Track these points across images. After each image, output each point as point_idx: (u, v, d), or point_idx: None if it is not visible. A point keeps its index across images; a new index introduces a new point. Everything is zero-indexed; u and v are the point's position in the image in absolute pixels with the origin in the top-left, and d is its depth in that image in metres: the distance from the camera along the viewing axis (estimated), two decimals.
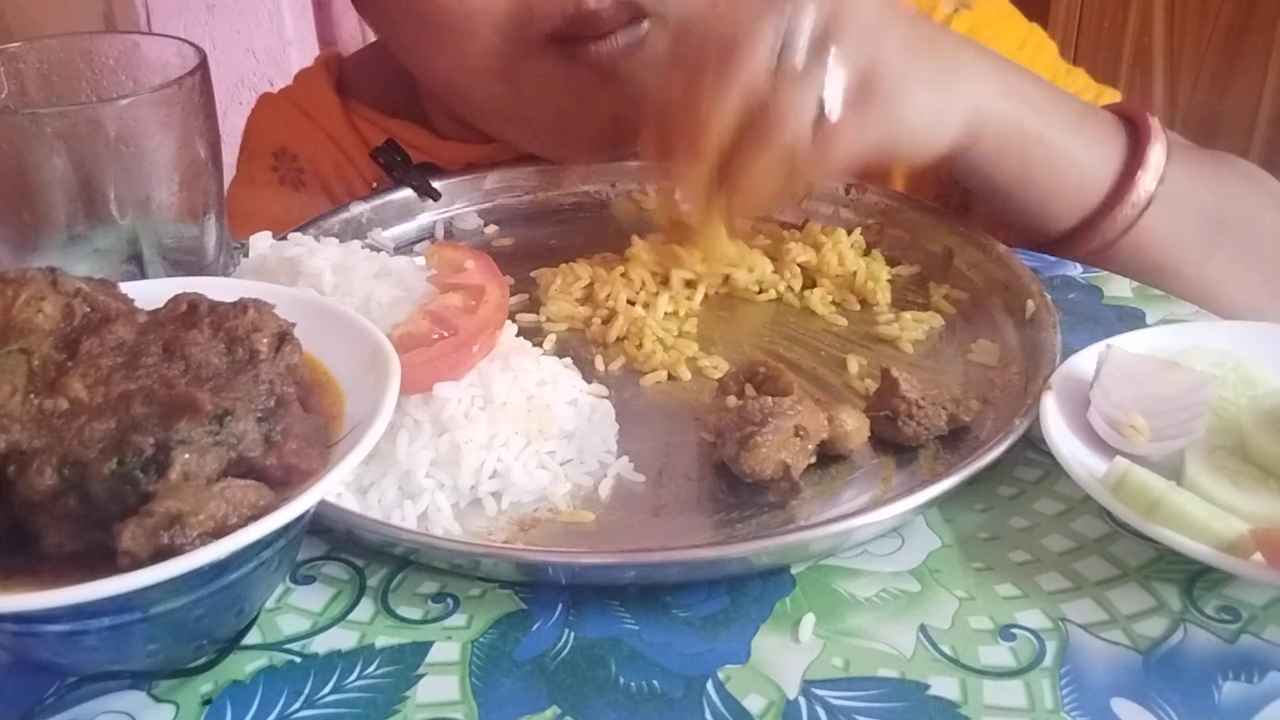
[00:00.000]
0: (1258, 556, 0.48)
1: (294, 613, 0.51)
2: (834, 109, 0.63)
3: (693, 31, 0.67)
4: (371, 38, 1.04)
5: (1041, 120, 0.71)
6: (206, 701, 0.47)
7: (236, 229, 0.72)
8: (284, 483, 0.44)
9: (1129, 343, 0.60)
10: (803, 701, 0.46)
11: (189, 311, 0.48)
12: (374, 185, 0.90)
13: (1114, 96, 0.92)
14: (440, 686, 0.47)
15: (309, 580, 0.53)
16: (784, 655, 0.48)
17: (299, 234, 0.73)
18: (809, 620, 0.50)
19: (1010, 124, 0.70)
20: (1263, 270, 0.79)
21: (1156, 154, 0.73)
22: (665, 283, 0.75)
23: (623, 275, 0.75)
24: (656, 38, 0.80)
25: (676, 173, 0.68)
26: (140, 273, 0.62)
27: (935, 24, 0.72)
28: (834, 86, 0.62)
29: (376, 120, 0.97)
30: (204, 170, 0.63)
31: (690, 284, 0.75)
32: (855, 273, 0.75)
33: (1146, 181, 0.72)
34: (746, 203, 0.67)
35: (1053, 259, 0.77)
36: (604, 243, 0.81)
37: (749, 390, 0.61)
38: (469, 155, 0.93)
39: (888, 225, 0.82)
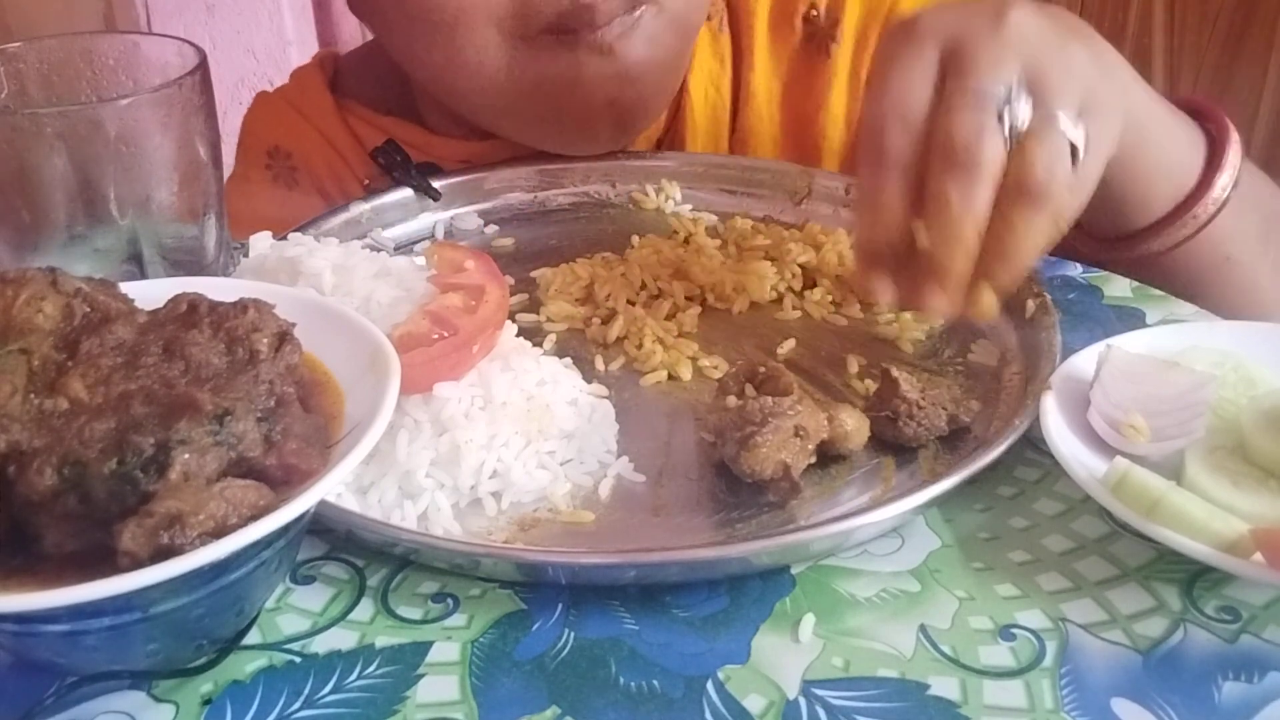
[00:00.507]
0: (1258, 556, 0.48)
1: (294, 613, 0.51)
2: (1082, 147, 0.60)
3: (886, 140, 0.60)
4: (371, 37, 1.04)
5: (1154, 107, 0.70)
6: (206, 701, 0.47)
7: (232, 228, 0.72)
8: (284, 483, 0.44)
9: (1129, 343, 0.60)
10: (803, 701, 0.46)
11: (189, 311, 0.48)
12: (366, 183, 0.90)
13: None
14: (440, 686, 0.47)
15: (309, 580, 0.53)
16: (784, 655, 0.48)
17: (299, 234, 0.73)
18: (809, 620, 0.50)
19: (1143, 104, 0.69)
20: None
21: (1235, 149, 0.73)
22: (661, 295, 0.75)
23: (623, 275, 0.76)
24: (651, 19, 0.80)
25: (937, 276, 0.60)
26: (140, 273, 0.62)
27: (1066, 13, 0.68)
28: (1073, 129, 0.59)
29: (370, 119, 0.97)
30: (204, 170, 0.63)
31: (690, 298, 0.75)
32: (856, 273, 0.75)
33: (1226, 176, 0.72)
34: (1020, 266, 0.61)
35: (1053, 259, 0.77)
36: (604, 243, 0.81)
37: (749, 390, 0.61)
38: (463, 152, 0.93)
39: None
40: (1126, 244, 0.75)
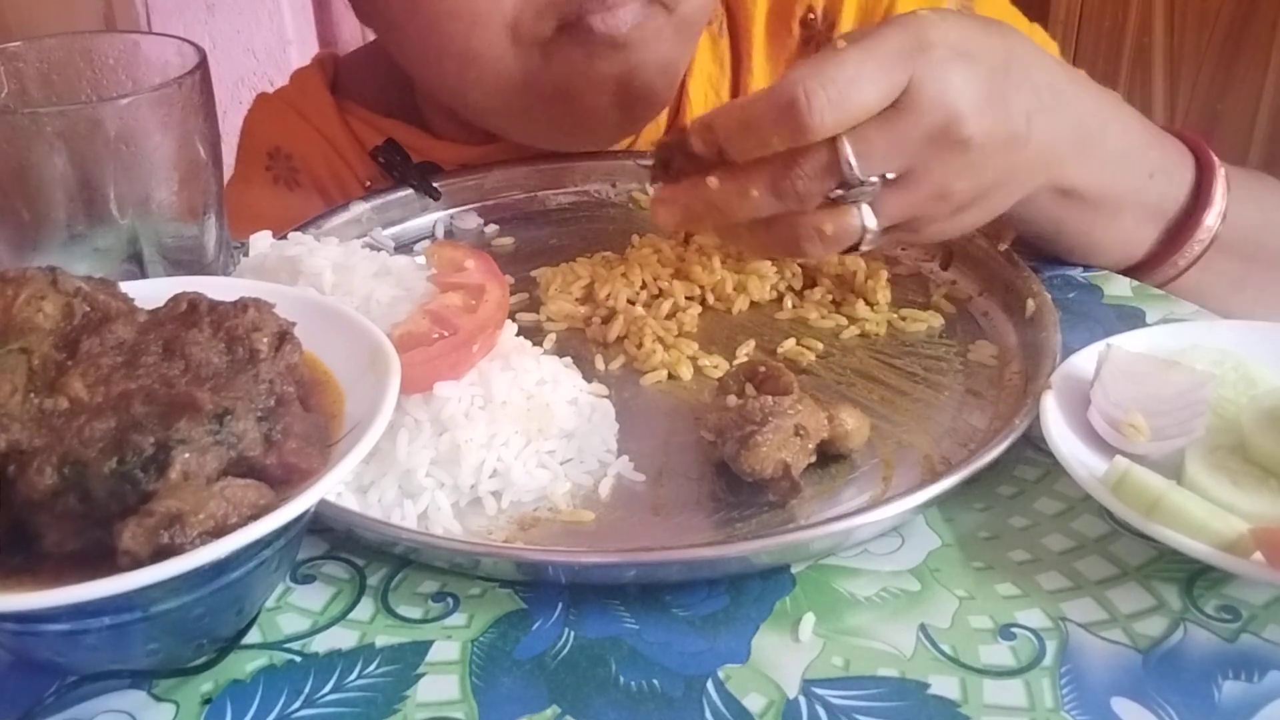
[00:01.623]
0: (1258, 556, 0.48)
1: (294, 612, 0.51)
2: (871, 236, 0.63)
3: (773, 97, 0.60)
4: (371, 38, 1.04)
5: (1107, 179, 0.71)
6: (207, 701, 0.47)
7: (232, 227, 0.72)
8: (284, 482, 0.44)
9: (1129, 342, 0.60)
10: (803, 701, 0.46)
11: (189, 311, 0.48)
12: (367, 185, 0.90)
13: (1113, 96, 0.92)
14: (440, 686, 0.47)
15: (309, 579, 0.53)
16: (784, 654, 0.48)
17: (299, 233, 0.73)
18: (809, 619, 0.50)
19: (1079, 183, 0.69)
20: None
21: (1219, 195, 0.73)
22: (662, 295, 0.75)
23: (623, 275, 0.75)
24: (661, 19, 0.80)
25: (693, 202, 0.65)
26: (140, 272, 0.62)
27: (1013, 44, 0.66)
28: (873, 221, 0.63)
29: (371, 120, 0.97)
30: (204, 170, 0.63)
31: (690, 298, 0.75)
32: (855, 272, 0.75)
33: (1210, 220, 0.73)
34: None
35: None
36: (604, 242, 0.81)
37: (749, 390, 0.61)
38: (464, 156, 0.93)
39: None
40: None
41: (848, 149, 0.59)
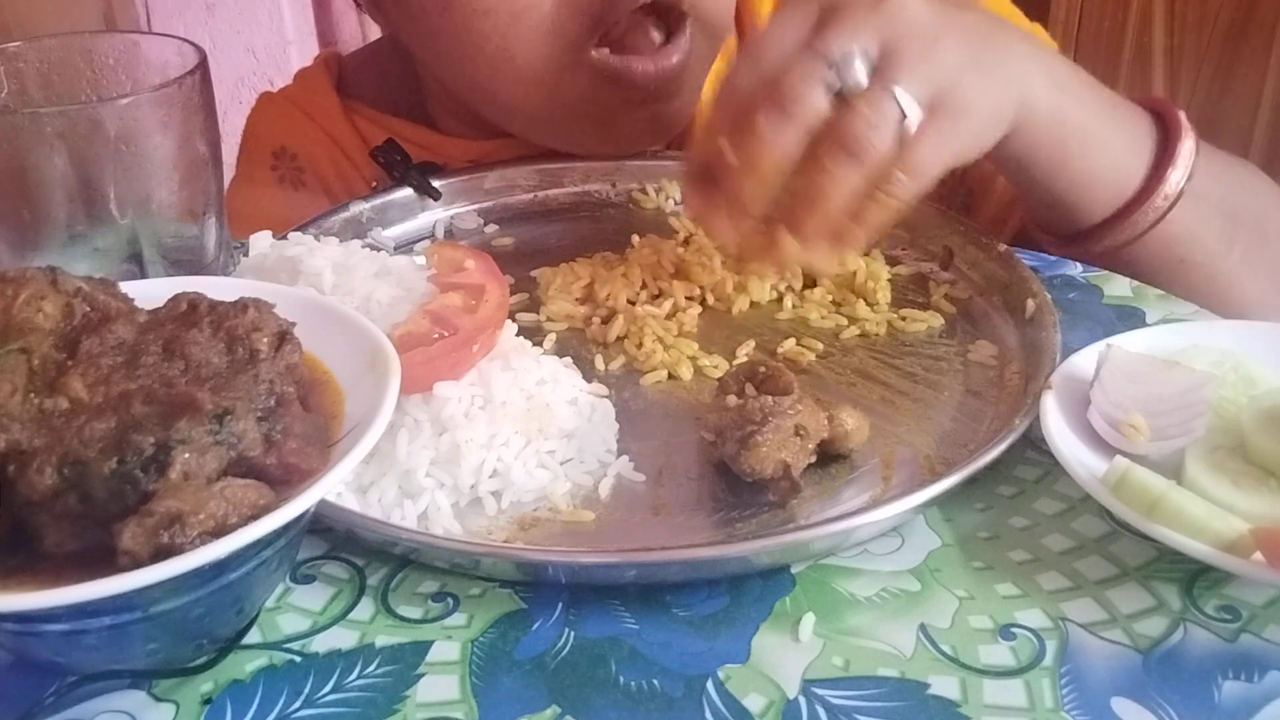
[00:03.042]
0: (1258, 556, 0.48)
1: (294, 612, 0.51)
2: (914, 120, 0.61)
3: (735, 77, 0.65)
4: (372, 37, 1.04)
5: (1081, 110, 0.70)
6: (206, 701, 0.47)
7: (236, 228, 0.72)
8: (284, 482, 0.44)
9: (1129, 342, 0.60)
10: (803, 701, 0.46)
11: (189, 311, 0.48)
12: (374, 185, 0.90)
13: None
14: (440, 686, 0.47)
15: (309, 580, 0.53)
16: (784, 654, 0.48)
17: (299, 233, 0.73)
18: (809, 620, 0.50)
19: (1052, 113, 0.68)
20: (1273, 268, 0.79)
21: (1186, 149, 0.72)
22: (662, 295, 0.75)
23: (623, 275, 0.75)
24: (699, 41, 0.81)
25: (731, 202, 0.64)
26: (140, 272, 0.62)
27: (977, 6, 0.70)
28: (908, 100, 0.61)
29: (376, 119, 0.97)
30: (204, 170, 0.63)
31: (690, 298, 0.75)
32: (855, 272, 0.75)
33: (1176, 176, 0.72)
34: (831, 229, 0.63)
35: (1053, 259, 0.77)
36: (604, 243, 0.81)
37: (749, 390, 0.61)
38: (472, 152, 0.93)
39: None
40: (1076, 241, 0.76)
41: (809, 50, 0.62)
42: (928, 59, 0.62)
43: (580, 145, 0.90)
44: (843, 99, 0.61)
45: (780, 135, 0.61)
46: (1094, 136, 0.71)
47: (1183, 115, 0.74)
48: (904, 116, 0.61)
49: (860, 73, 0.61)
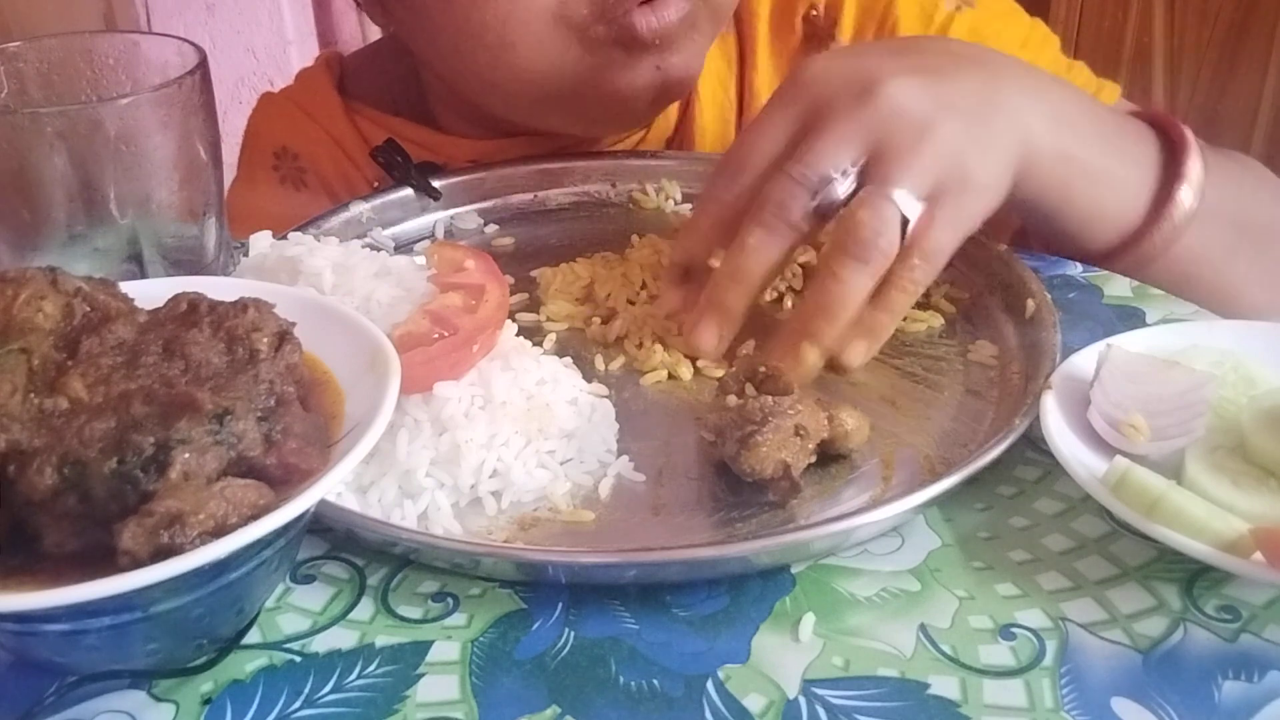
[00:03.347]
0: (1258, 556, 0.48)
1: (294, 612, 0.51)
2: (914, 217, 0.62)
3: (720, 184, 0.67)
4: (372, 37, 1.04)
5: (1084, 145, 0.70)
6: (207, 701, 0.47)
7: (237, 228, 0.72)
8: (284, 482, 0.44)
9: (1129, 342, 0.60)
10: (803, 701, 0.46)
11: (189, 311, 0.48)
12: (375, 185, 0.90)
13: (1115, 90, 0.92)
14: (440, 686, 0.47)
15: (309, 580, 0.53)
16: (784, 655, 0.48)
17: (299, 233, 0.73)
18: (809, 620, 0.50)
19: (1055, 153, 0.68)
20: (1277, 273, 0.79)
21: (1195, 171, 0.71)
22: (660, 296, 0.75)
23: (623, 275, 0.76)
24: (700, 12, 0.81)
25: (715, 305, 0.66)
26: (140, 272, 0.62)
27: (966, 50, 0.70)
28: (908, 200, 0.62)
29: (378, 119, 0.97)
30: (204, 170, 0.63)
31: None
32: None
33: (1187, 200, 0.71)
34: (840, 321, 0.63)
35: (1053, 259, 0.77)
36: (604, 243, 0.81)
37: (749, 390, 0.61)
38: (474, 151, 0.93)
39: None
40: (1091, 262, 0.76)
41: (793, 166, 0.63)
42: (923, 151, 0.63)
43: (587, 126, 0.90)
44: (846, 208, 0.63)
45: (768, 250, 0.64)
46: (1099, 169, 0.71)
47: (1188, 133, 0.73)
48: (905, 219, 0.62)
49: (846, 189, 0.63)
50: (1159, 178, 0.72)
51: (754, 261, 0.64)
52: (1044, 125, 0.68)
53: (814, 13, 0.95)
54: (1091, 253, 0.75)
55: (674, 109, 0.96)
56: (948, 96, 0.64)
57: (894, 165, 0.62)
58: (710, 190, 0.68)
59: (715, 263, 0.66)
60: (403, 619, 0.51)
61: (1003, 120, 0.66)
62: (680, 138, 0.98)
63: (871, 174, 0.63)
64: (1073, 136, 0.69)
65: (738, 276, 0.64)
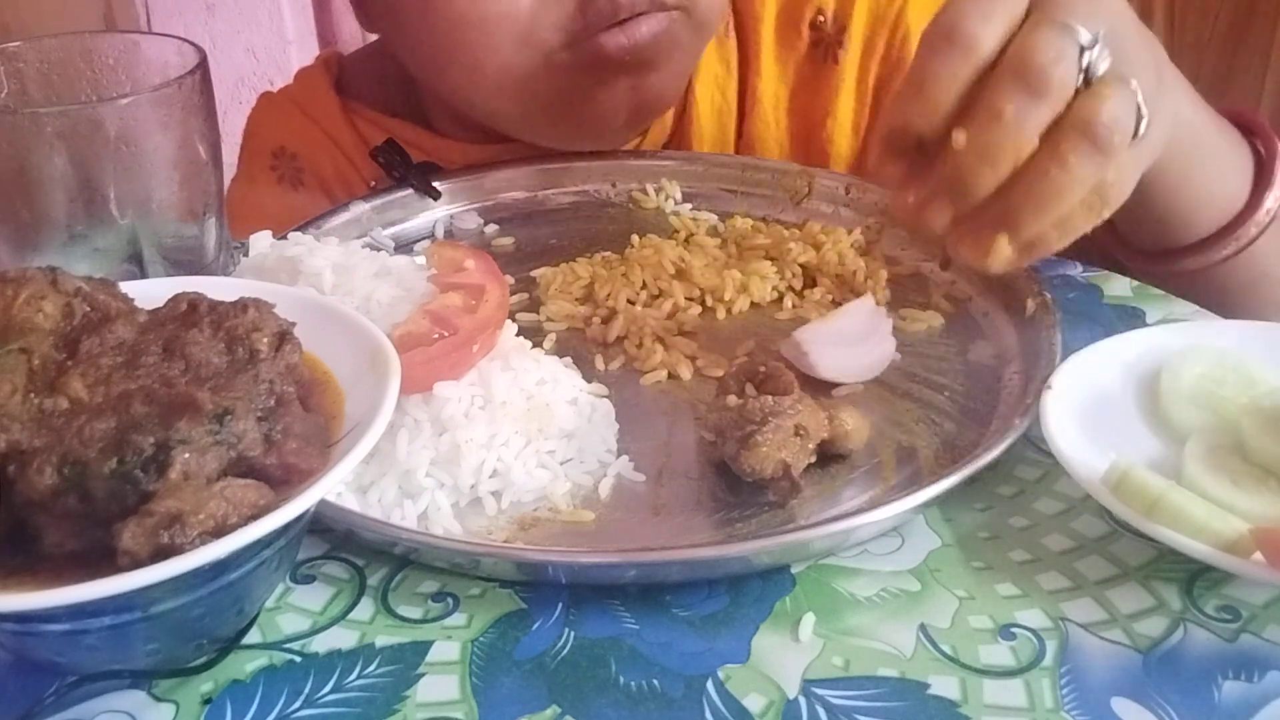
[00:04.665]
0: (1258, 556, 0.48)
1: (294, 612, 0.51)
2: (1145, 122, 0.56)
3: (942, 56, 0.56)
4: (371, 38, 1.04)
5: (1206, 125, 0.69)
6: (207, 701, 0.47)
7: (235, 228, 0.72)
8: (284, 482, 0.44)
9: (1129, 342, 0.60)
10: (803, 701, 0.46)
11: (189, 311, 0.48)
12: (372, 184, 0.90)
13: None
14: (440, 686, 0.47)
15: (309, 580, 0.53)
16: (784, 654, 0.48)
17: (299, 233, 0.73)
18: (809, 620, 0.50)
19: (1190, 126, 0.67)
20: None
21: None
22: (662, 295, 0.75)
23: (623, 275, 0.76)
24: (681, 23, 0.80)
25: (953, 188, 0.57)
26: (140, 272, 0.62)
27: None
28: (1143, 99, 0.56)
29: (376, 120, 0.97)
30: (204, 170, 0.63)
31: (690, 298, 0.75)
32: (855, 272, 0.75)
33: (1274, 195, 0.71)
34: (1048, 218, 0.57)
35: (1052, 259, 0.77)
36: (604, 242, 0.81)
37: (749, 389, 0.61)
38: (469, 155, 0.93)
39: (888, 225, 0.81)
40: (1165, 259, 0.74)
41: (1060, 13, 0.55)
42: (1144, 59, 0.58)
43: (566, 141, 0.90)
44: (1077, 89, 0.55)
45: (1029, 120, 0.54)
46: (1217, 152, 0.70)
47: (1275, 137, 0.73)
48: (1141, 115, 0.56)
49: (1106, 59, 0.55)
50: (1254, 173, 0.72)
51: (1012, 134, 0.54)
52: (1186, 100, 0.67)
53: (821, 18, 0.95)
54: (1181, 242, 0.73)
55: (670, 113, 0.96)
56: (1141, 27, 0.60)
57: (1131, 62, 0.56)
58: (937, 39, 0.56)
59: (960, 139, 0.55)
60: (403, 619, 0.51)
61: (1167, 71, 0.63)
62: (676, 142, 0.98)
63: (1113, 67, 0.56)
64: (1200, 113, 0.69)
65: (989, 154, 0.55)
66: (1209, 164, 0.70)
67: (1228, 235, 0.72)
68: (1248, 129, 0.74)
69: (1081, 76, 0.55)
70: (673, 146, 0.98)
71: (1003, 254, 0.58)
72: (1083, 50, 0.55)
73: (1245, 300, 0.74)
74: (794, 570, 0.53)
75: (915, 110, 0.57)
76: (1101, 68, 0.55)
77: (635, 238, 0.80)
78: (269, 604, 0.51)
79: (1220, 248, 0.72)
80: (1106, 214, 0.57)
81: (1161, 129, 0.59)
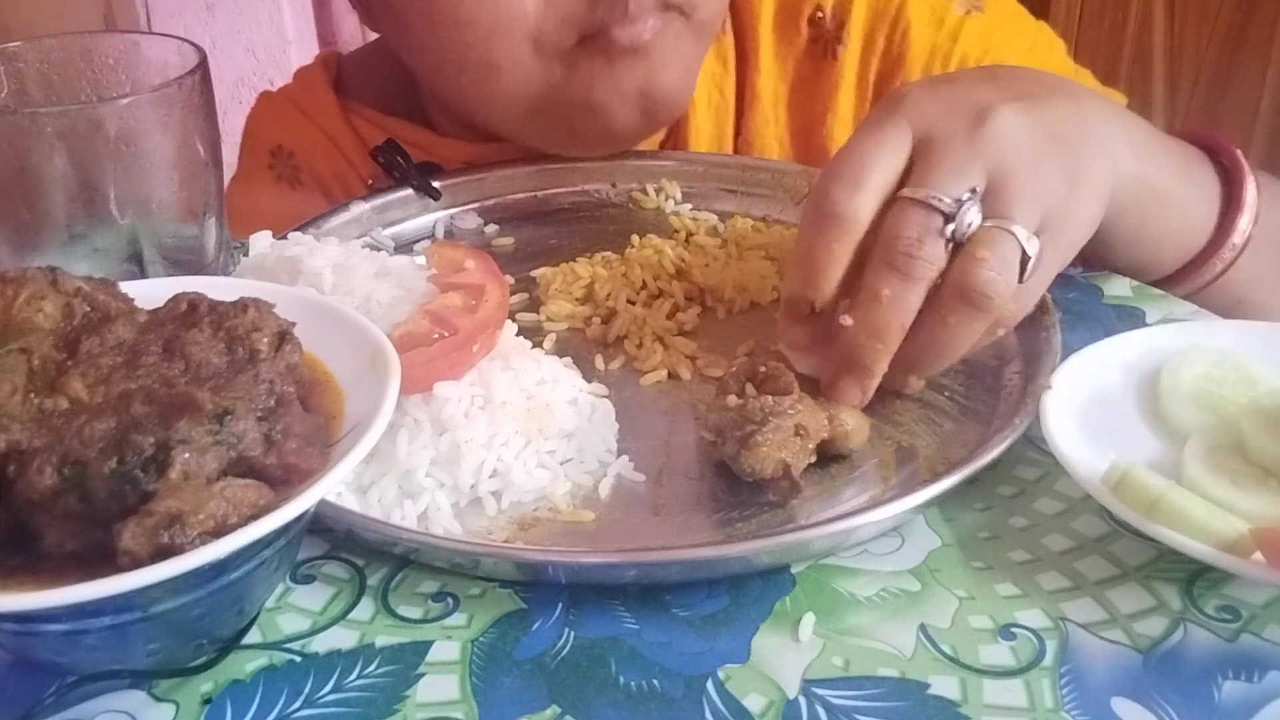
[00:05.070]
0: (1258, 556, 0.48)
1: (294, 612, 0.51)
2: (1034, 256, 0.59)
3: (827, 201, 0.60)
4: (371, 37, 1.04)
5: (1160, 173, 0.69)
6: (206, 701, 0.47)
7: (233, 227, 0.72)
8: (284, 482, 0.44)
9: (1129, 342, 0.60)
10: (803, 701, 0.46)
11: (189, 311, 0.48)
12: (369, 183, 0.90)
13: (1120, 98, 0.92)
14: (440, 686, 0.47)
15: (309, 580, 0.53)
16: (784, 654, 0.48)
17: (299, 233, 0.73)
18: (809, 619, 0.50)
19: (1136, 181, 0.66)
20: None
21: (1250, 197, 0.72)
22: (662, 295, 0.75)
23: (623, 275, 0.76)
24: (680, 26, 0.80)
25: (851, 361, 0.60)
26: (140, 272, 0.62)
27: (1046, 78, 0.67)
28: (1028, 237, 0.58)
29: (374, 119, 0.97)
30: (204, 170, 0.63)
31: (690, 298, 0.75)
32: None
33: (1243, 226, 0.71)
34: (949, 361, 0.61)
35: None
36: (604, 242, 0.81)
37: (749, 389, 0.61)
38: (469, 154, 0.93)
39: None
40: (1160, 286, 0.75)
41: (921, 190, 0.58)
42: (1034, 186, 0.59)
43: (574, 146, 0.90)
44: (955, 243, 0.58)
45: (907, 300, 0.58)
46: (1172, 197, 0.70)
47: (1241, 156, 0.73)
48: (1026, 256, 0.58)
49: (975, 216, 0.58)
50: (1221, 201, 0.72)
51: (893, 314, 0.58)
52: (1127, 152, 0.66)
53: (820, 14, 0.95)
54: (1153, 277, 0.75)
55: None
56: (1051, 126, 0.62)
57: (1011, 200, 0.59)
58: (816, 218, 0.60)
59: (847, 321, 0.59)
60: (403, 619, 0.51)
61: (1094, 149, 0.64)
62: (674, 139, 0.98)
63: (989, 206, 0.59)
64: (1150, 164, 0.68)
65: (877, 334, 0.59)
66: (1168, 206, 0.70)
67: (1198, 268, 0.73)
68: (1211, 150, 0.74)
69: (950, 246, 0.58)
70: (670, 144, 0.97)
71: (915, 385, 0.64)
72: (948, 219, 0.58)
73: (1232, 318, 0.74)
74: (794, 570, 0.53)
75: (804, 285, 0.61)
76: (973, 224, 0.58)
77: (635, 238, 0.80)
78: (269, 604, 0.51)
79: (1192, 280, 0.73)
80: (1008, 329, 0.62)
81: (1069, 239, 0.62)
